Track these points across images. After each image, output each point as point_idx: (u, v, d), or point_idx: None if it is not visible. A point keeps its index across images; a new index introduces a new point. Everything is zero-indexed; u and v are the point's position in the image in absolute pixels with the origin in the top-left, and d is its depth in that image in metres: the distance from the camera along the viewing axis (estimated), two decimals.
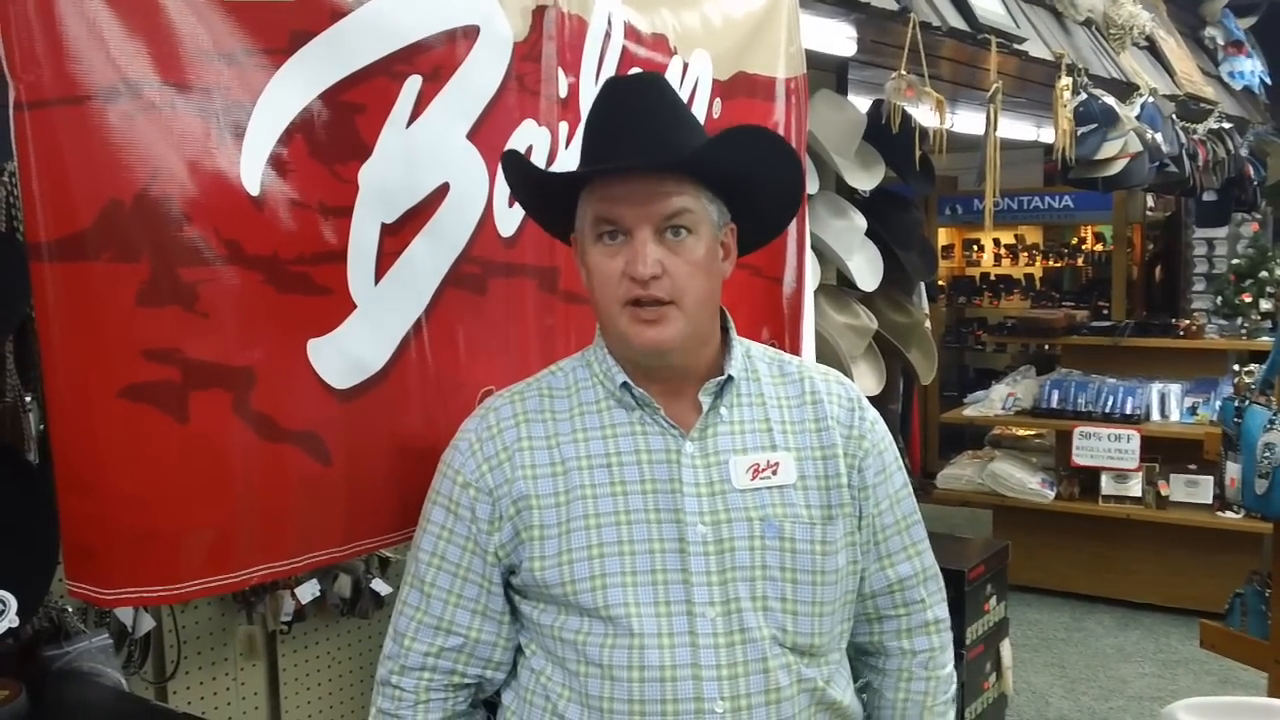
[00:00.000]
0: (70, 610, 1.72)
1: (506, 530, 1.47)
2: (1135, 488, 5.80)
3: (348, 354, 1.62)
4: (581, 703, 1.44)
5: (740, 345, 1.57)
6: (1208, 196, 6.02)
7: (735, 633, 1.44)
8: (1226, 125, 5.62)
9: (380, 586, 2.26)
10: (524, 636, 1.53)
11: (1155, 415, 5.90)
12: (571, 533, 1.45)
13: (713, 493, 1.47)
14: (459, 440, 1.54)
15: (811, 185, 2.93)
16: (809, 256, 2.77)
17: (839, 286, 3.41)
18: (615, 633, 1.43)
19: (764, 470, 1.49)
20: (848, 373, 3.08)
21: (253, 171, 1.49)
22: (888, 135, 3.25)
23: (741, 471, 1.49)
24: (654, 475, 1.47)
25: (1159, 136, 4.44)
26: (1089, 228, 9.62)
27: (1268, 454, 3.09)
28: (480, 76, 1.78)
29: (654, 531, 1.45)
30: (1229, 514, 5.50)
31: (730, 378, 1.52)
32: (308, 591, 2.11)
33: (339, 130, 1.59)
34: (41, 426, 1.62)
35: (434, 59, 1.69)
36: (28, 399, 1.69)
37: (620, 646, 1.42)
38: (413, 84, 1.66)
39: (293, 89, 1.53)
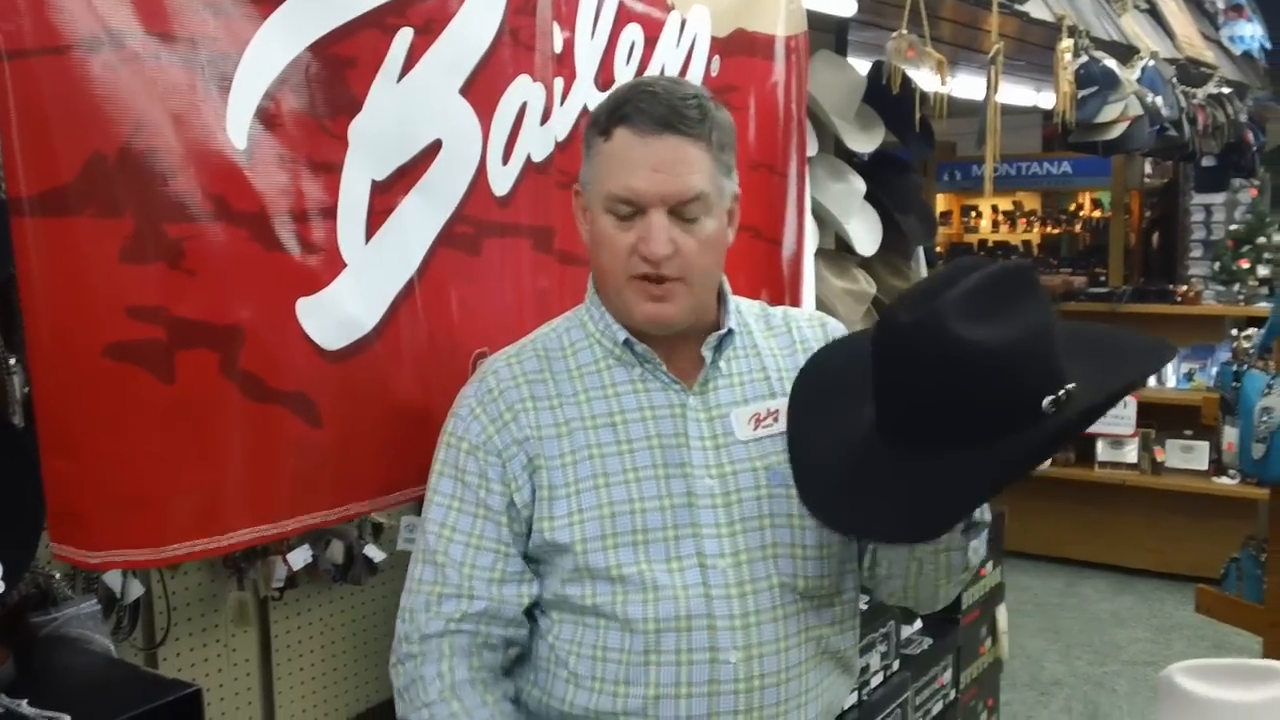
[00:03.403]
0: (58, 576, 1.69)
1: (525, 491, 1.45)
2: (1131, 454, 5.81)
3: (338, 314, 1.59)
4: (593, 657, 1.44)
5: (732, 299, 1.57)
6: (1207, 162, 5.97)
7: (746, 583, 1.45)
8: (1226, 90, 5.57)
9: (373, 553, 2.23)
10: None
11: (1151, 381, 5.89)
12: (581, 493, 1.44)
13: (717, 445, 1.48)
14: (458, 408, 1.51)
15: (810, 148, 2.89)
16: (808, 219, 2.74)
17: (837, 251, 3.38)
18: (627, 590, 1.42)
19: (765, 419, 1.51)
20: None
21: (239, 125, 1.45)
22: (887, 98, 3.20)
23: (744, 423, 1.50)
24: (659, 430, 1.47)
25: (1159, 100, 4.40)
26: (1087, 194, 9.60)
27: (1265, 418, 3.08)
28: (473, 30, 1.74)
29: (663, 487, 1.45)
30: (1224, 479, 5.51)
31: (730, 331, 1.53)
32: (300, 558, 2.08)
33: (328, 84, 1.56)
34: (26, 389, 1.58)
35: (426, 11, 1.65)
36: (12, 361, 1.66)
37: (635, 601, 1.42)
38: (404, 37, 1.63)
39: (281, 40, 1.49)
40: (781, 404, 1.51)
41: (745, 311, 1.60)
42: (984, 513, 1.46)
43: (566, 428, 1.47)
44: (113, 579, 1.76)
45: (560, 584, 1.46)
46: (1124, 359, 1.36)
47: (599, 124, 1.45)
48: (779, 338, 1.60)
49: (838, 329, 1.65)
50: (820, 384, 1.46)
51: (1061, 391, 1.24)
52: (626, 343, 1.49)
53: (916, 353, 1.25)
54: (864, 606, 1.70)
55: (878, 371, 1.32)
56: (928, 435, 1.27)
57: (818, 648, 1.50)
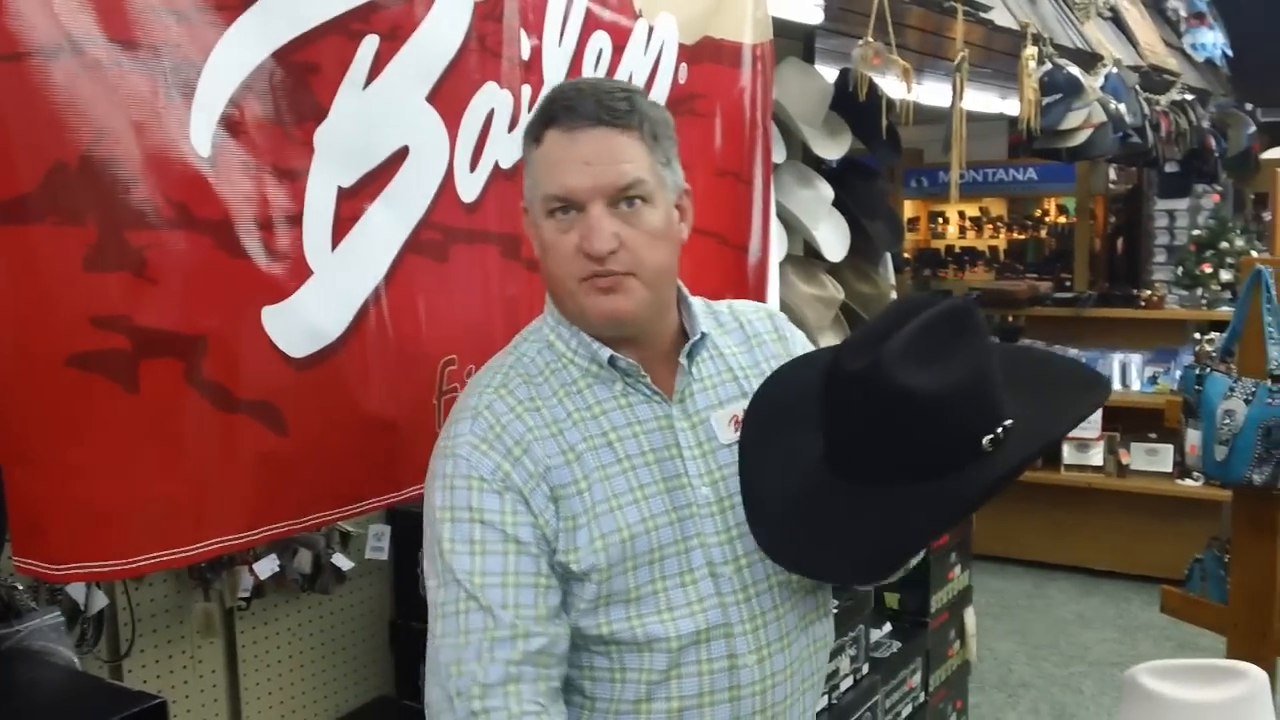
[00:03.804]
0: (20, 588, 1.68)
1: (553, 523, 1.39)
2: (1096, 457, 5.86)
3: (304, 322, 1.58)
4: (610, 679, 1.42)
5: (691, 302, 1.55)
6: (1169, 168, 6.05)
7: (750, 586, 1.45)
8: (1189, 97, 5.64)
9: (341, 561, 2.22)
10: None
11: (1116, 385, 5.95)
12: (599, 517, 1.40)
13: (704, 453, 1.47)
14: (455, 448, 1.40)
15: (778, 154, 2.90)
16: (775, 226, 2.75)
17: (806, 257, 3.39)
18: (643, 612, 1.41)
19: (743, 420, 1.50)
20: (815, 344, 3.06)
21: (203, 133, 1.44)
22: (854, 105, 3.23)
23: (724, 426, 1.49)
24: (652, 445, 1.45)
25: (1122, 107, 4.45)
26: (1052, 200, 9.68)
27: (1228, 421, 3.10)
28: (440, 37, 1.73)
29: (667, 502, 1.44)
30: (1188, 482, 5.57)
31: (704, 335, 1.51)
32: (266, 567, 2.07)
33: (293, 90, 1.54)
34: None
35: (392, 17, 1.65)
36: None
37: (652, 621, 1.41)
38: (370, 43, 1.62)
39: (245, 47, 1.48)
40: None
41: (699, 313, 1.57)
42: None
43: (573, 453, 1.41)
44: (76, 591, 1.75)
45: (575, 616, 1.41)
46: (1061, 393, 1.41)
47: (531, 132, 1.43)
48: (732, 335, 1.58)
49: (782, 321, 1.66)
50: (775, 409, 1.48)
51: (1000, 429, 1.30)
52: (611, 360, 1.45)
53: (862, 400, 1.30)
54: (835, 610, 1.72)
55: (827, 414, 1.36)
56: (874, 474, 1.32)
57: (809, 637, 1.53)
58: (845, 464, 1.35)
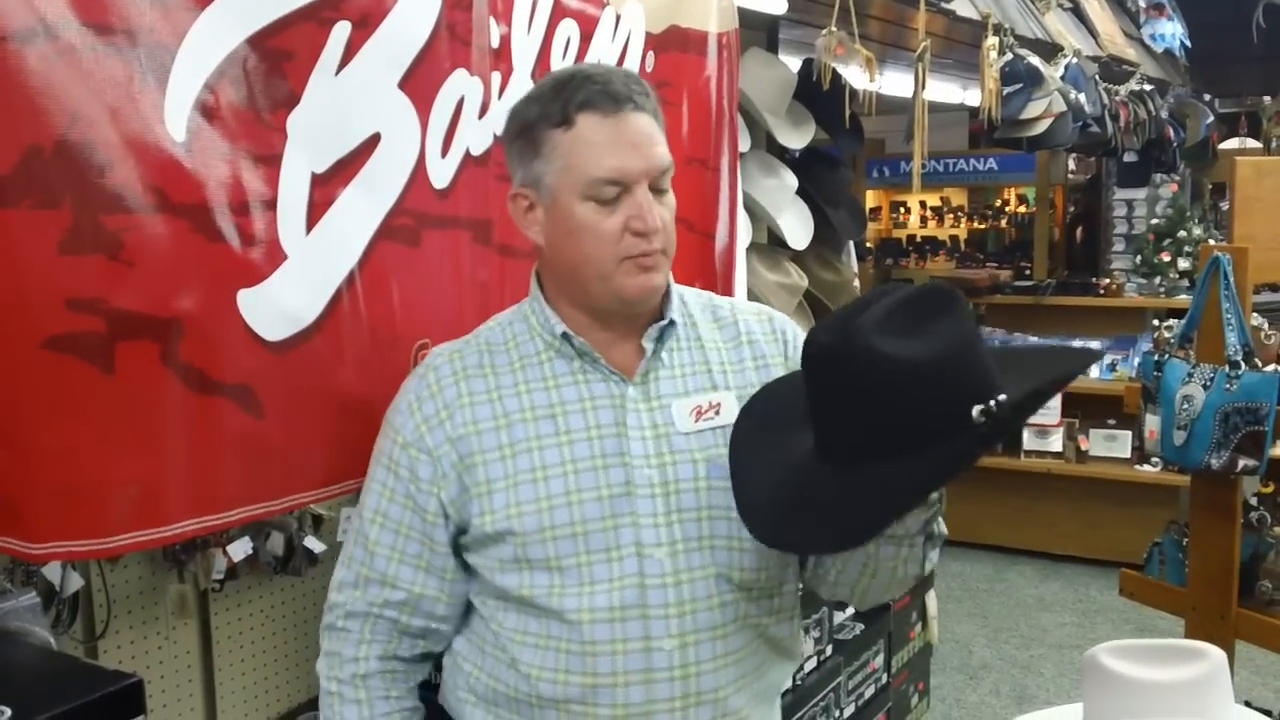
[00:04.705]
0: None
1: (453, 489, 1.47)
2: (1056, 443, 5.94)
3: (279, 305, 1.59)
4: (536, 645, 1.46)
5: (676, 290, 1.58)
6: (1128, 157, 6.12)
7: (682, 571, 1.46)
8: (1148, 87, 5.71)
9: (314, 544, 2.24)
10: (474, 586, 1.53)
11: None
12: (519, 485, 1.45)
13: (657, 436, 1.49)
14: (400, 400, 1.54)
15: (743, 144, 2.93)
16: (741, 214, 2.78)
17: (770, 245, 3.43)
18: (565, 583, 1.44)
19: (706, 412, 1.52)
20: None
21: (178, 117, 1.45)
22: (817, 95, 3.26)
23: (685, 414, 1.51)
24: (599, 421, 1.48)
25: (1082, 97, 4.51)
26: (1012, 190, 9.77)
27: (1186, 406, 3.15)
28: (410, 24, 1.75)
29: (601, 478, 1.46)
30: (1147, 467, 5.66)
31: (671, 322, 1.54)
32: (240, 549, 2.09)
33: (267, 76, 1.56)
34: None
35: (363, 5, 1.67)
36: None
37: (570, 593, 1.44)
38: (341, 30, 1.63)
39: (219, 32, 1.49)
40: (724, 396, 1.53)
41: (691, 302, 1.60)
42: (940, 525, 1.48)
43: (505, 420, 1.47)
44: (52, 572, 1.76)
45: (498, 574, 1.47)
46: (1053, 365, 1.40)
47: (551, 116, 1.43)
48: (725, 330, 1.59)
49: (785, 323, 1.65)
50: (770, 411, 1.47)
51: (992, 401, 1.26)
52: (565, 336, 1.50)
53: (839, 371, 1.28)
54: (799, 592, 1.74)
55: (809, 393, 1.35)
56: (860, 450, 1.30)
57: (756, 633, 1.52)
58: (830, 445, 1.33)
